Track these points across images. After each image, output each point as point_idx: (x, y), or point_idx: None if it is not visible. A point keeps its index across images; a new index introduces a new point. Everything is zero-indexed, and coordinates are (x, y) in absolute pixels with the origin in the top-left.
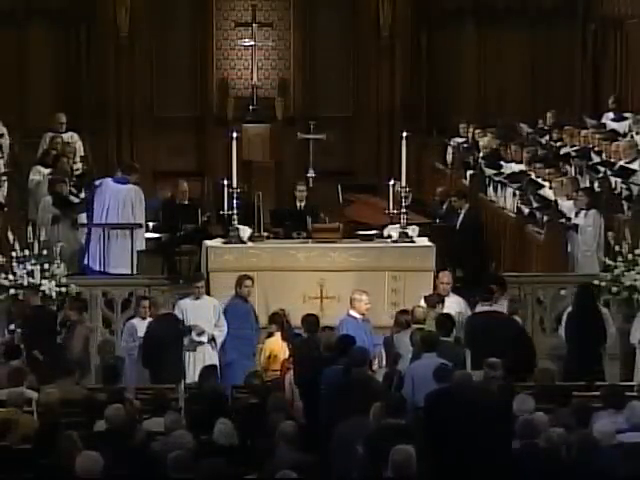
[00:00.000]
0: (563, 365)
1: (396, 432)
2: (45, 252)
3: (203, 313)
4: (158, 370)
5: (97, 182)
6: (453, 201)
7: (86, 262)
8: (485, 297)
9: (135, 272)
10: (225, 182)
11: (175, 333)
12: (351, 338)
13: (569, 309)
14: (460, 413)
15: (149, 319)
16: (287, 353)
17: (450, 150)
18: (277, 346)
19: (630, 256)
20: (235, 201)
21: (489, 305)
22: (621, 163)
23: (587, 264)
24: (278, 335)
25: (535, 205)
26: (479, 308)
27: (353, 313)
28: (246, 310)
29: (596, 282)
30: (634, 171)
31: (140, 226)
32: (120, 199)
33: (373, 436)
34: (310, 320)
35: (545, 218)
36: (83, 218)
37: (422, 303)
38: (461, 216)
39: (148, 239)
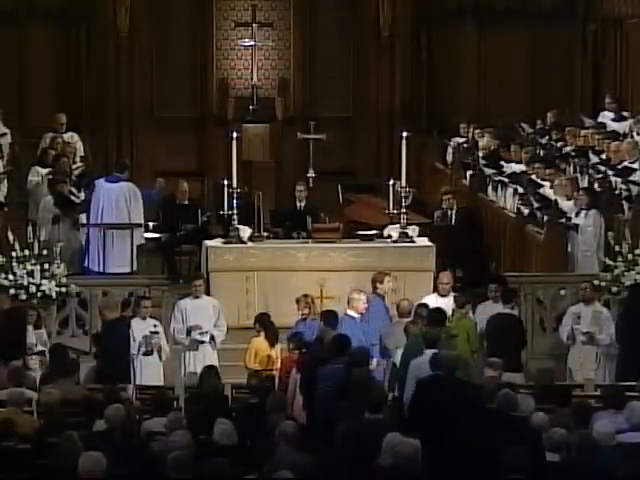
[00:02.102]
0: (615, 366)
1: (373, 427)
2: (45, 252)
3: (203, 312)
4: (105, 372)
5: (95, 183)
6: (447, 199)
7: (86, 264)
8: (506, 299)
9: (135, 269)
10: (225, 182)
11: (124, 338)
12: (347, 338)
13: (620, 310)
14: (447, 398)
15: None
16: (277, 352)
17: (450, 150)
18: (262, 345)
19: (630, 256)
20: (235, 201)
21: (510, 308)
22: (625, 164)
23: (587, 264)
24: (263, 335)
25: (536, 205)
26: (486, 308)
27: (351, 313)
28: (383, 308)
29: (596, 282)
30: (634, 170)
31: (139, 226)
32: (113, 198)
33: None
34: (330, 316)
35: (545, 218)
36: (83, 218)
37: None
38: (453, 215)
39: (147, 238)
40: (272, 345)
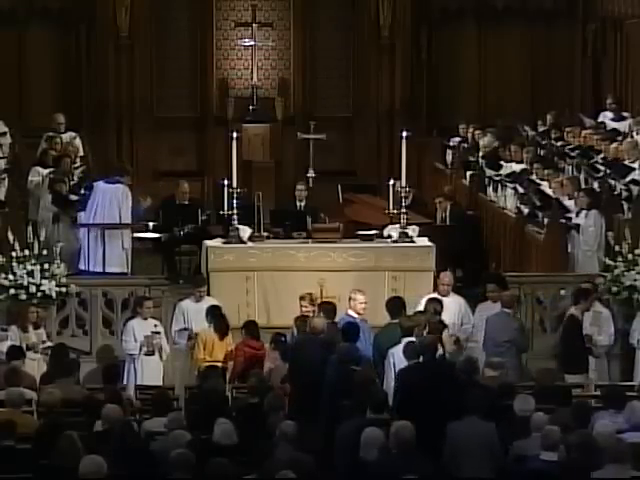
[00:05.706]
0: None
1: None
2: (45, 252)
3: (204, 315)
4: None
5: (93, 184)
6: (438, 202)
7: (81, 266)
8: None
9: (128, 269)
10: (225, 182)
11: None
12: (356, 326)
13: None
14: (428, 383)
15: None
16: (228, 344)
17: (450, 150)
18: (209, 337)
19: (630, 256)
20: (235, 201)
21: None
22: (625, 163)
23: (587, 264)
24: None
25: (537, 204)
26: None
27: (351, 313)
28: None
29: (596, 282)
30: (631, 169)
31: (127, 226)
32: (107, 198)
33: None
34: (328, 308)
35: (546, 217)
36: (81, 218)
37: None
38: (447, 216)
39: (140, 238)
40: (221, 338)
